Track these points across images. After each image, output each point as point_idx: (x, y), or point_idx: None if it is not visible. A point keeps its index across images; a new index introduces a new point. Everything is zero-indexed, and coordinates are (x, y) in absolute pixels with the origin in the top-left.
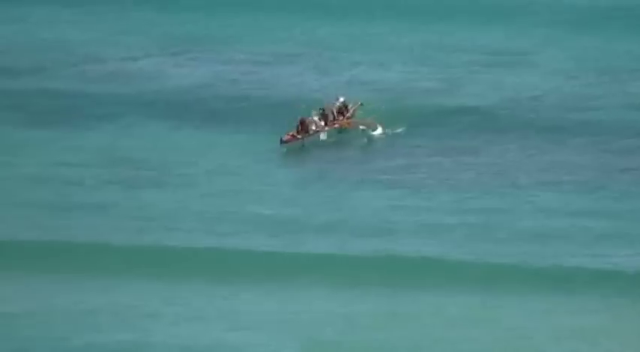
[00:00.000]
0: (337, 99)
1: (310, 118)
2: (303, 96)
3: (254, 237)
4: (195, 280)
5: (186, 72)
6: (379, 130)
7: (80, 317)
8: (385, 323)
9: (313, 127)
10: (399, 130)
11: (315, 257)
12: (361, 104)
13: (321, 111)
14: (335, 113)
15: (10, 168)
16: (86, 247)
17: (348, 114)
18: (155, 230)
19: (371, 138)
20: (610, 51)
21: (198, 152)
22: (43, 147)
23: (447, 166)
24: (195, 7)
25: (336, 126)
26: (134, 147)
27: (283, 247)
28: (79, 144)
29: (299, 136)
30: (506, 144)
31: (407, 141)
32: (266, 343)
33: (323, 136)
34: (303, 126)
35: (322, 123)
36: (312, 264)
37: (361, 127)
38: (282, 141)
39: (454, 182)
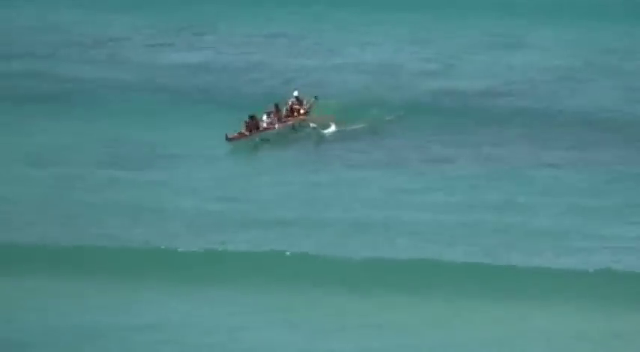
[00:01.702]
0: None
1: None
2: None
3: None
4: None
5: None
6: (332, 128)
7: None
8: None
9: (264, 125)
10: (356, 127)
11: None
12: (316, 98)
13: (274, 107)
14: (289, 109)
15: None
16: None
17: (303, 110)
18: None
19: (322, 137)
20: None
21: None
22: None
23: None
24: None
25: (289, 123)
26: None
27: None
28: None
29: (247, 133)
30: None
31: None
32: None
33: (267, 135)
34: (251, 124)
35: (275, 119)
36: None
37: (312, 125)
38: (227, 138)
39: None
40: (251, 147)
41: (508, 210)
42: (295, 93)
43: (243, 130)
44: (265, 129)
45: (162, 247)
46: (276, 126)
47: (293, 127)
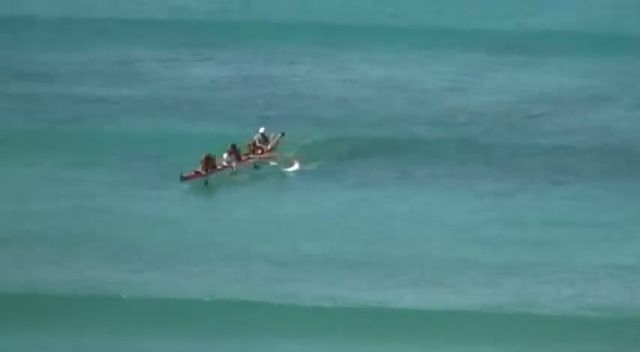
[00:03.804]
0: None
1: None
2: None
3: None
4: None
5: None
6: (295, 166)
7: None
8: None
9: (224, 163)
10: (317, 166)
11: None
12: (283, 134)
13: (232, 145)
14: (254, 146)
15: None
16: None
17: (268, 147)
18: None
19: (284, 175)
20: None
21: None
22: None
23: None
24: None
25: (249, 161)
26: None
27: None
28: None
29: (203, 172)
30: None
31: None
32: None
33: (225, 174)
34: (208, 162)
35: (233, 158)
36: None
37: (272, 163)
38: (182, 178)
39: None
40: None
41: None
42: (261, 130)
43: (199, 169)
44: (223, 167)
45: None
46: (234, 164)
47: (255, 166)
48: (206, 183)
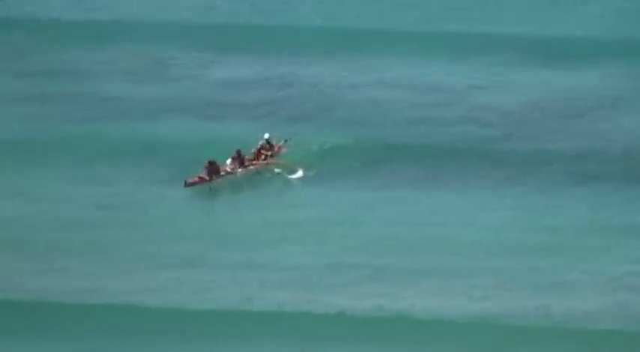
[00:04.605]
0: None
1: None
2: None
3: None
4: None
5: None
6: (299, 173)
7: None
8: None
9: (227, 169)
10: (312, 173)
11: None
12: (286, 141)
13: (236, 153)
14: (257, 151)
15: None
16: None
17: (271, 153)
18: None
19: (288, 182)
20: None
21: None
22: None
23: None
24: None
25: (252, 167)
26: None
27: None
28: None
29: (207, 178)
30: None
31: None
32: None
33: (228, 180)
34: (211, 168)
35: (236, 164)
36: None
37: (276, 170)
38: (186, 184)
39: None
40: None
41: None
42: (266, 136)
43: (203, 175)
44: (227, 173)
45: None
46: (238, 170)
47: (258, 172)
48: (209, 189)
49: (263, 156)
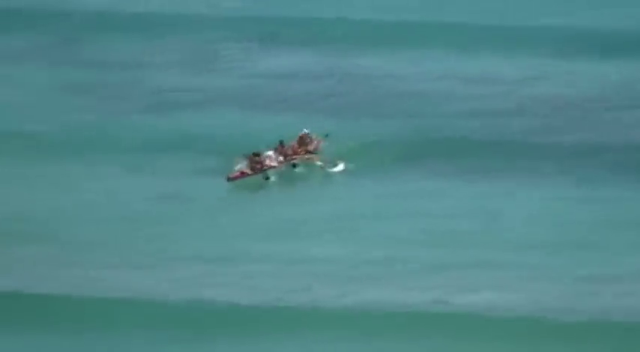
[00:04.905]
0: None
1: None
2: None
3: None
4: None
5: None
6: (340, 167)
7: None
8: None
9: (268, 162)
10: (353, 166)
11: None
12: (326, 136)
13: (279, 144)
14: (296, 146)
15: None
16: None
17: (311, 148)
18: None
19: (329, 175)
20: None
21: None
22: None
23: None
24: None
25: (295, 161)
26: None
27: None
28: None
29: (249, 172)
30: None
31: None
32: None
33: (273, 173)
34: (254, 161)
35: (280, 157)
36: None
37: (319, 163)
38: (228, 179)
39: None
40: (255, 185)
41: None
42: (305, 131)
43: (245, 169)
44: (270, 167)
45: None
46: (280, 163)
47: (299, 165)
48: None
49: (303, 151)
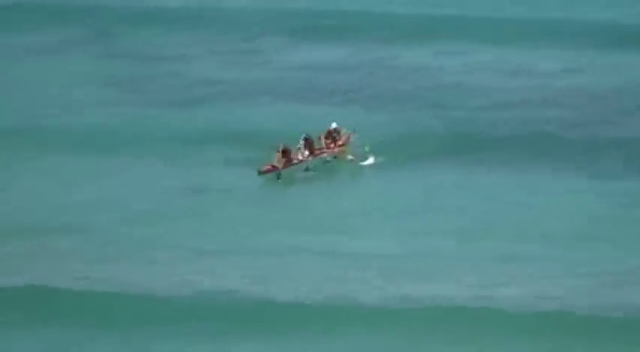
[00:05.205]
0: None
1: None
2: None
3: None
4: None
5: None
6: (370, 160)
7: None
8: None
9: (299, 156)
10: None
11: None
12: (354, 131)
13: (305, 138)
14: (324, 140)
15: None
16: None
17: (340, 142)
18: None
19: (360, 169)
20: None
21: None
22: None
23: None
24: None
25: (324, 155)
26: None
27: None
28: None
29: (279, 166)
30: None
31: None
32: None
33: (305, 167)
34: (284, 155)
35: (307, 152)
36: None
37: (349, 157)
38: (259, 172)
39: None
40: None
41: None
42: (333, 125)
43: (276, 163)
44: (299, 161)
45: None
46: (310, 158)
47: (329, 160)
48: (278, 177)
49: (332, 144)
